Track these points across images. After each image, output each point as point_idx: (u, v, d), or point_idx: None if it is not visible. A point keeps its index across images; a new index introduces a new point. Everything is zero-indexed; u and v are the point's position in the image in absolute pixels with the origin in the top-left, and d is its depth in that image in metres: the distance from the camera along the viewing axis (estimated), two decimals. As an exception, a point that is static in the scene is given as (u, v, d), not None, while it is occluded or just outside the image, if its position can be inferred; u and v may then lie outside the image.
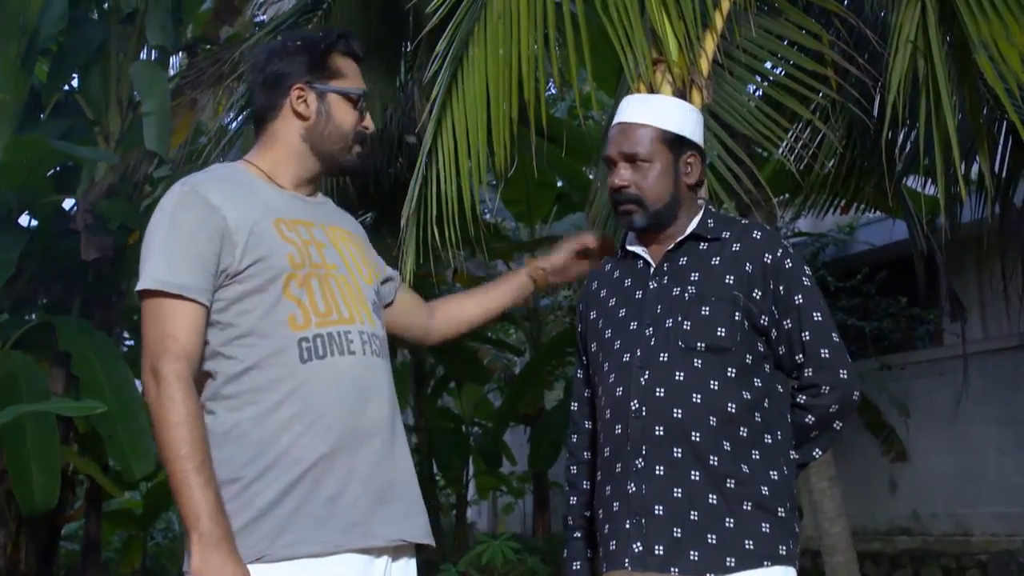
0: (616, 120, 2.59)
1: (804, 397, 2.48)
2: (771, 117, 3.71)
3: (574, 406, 2.70)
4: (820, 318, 2.45)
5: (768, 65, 3.87)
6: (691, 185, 2.55)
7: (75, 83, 7.98)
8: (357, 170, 2.47)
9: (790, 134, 4.11)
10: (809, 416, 2.47)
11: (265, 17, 8.18)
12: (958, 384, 8.89)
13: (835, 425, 2.50)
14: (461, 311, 2.79)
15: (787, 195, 7.28)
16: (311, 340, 2.20)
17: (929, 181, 6.26)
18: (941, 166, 3.70)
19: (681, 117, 2.56)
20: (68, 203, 7.81)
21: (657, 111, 2.55)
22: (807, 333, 2.44)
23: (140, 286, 2.16)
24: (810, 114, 3.77)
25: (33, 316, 7.41)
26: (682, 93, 3.10)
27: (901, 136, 5.07)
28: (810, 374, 2.46)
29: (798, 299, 2.44)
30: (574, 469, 2.67)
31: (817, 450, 2.54)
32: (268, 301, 2.19)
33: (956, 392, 8.94)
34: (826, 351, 2.45)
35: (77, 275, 7.23)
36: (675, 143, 2.52)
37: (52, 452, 6.13)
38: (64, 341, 6.59)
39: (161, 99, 6.79)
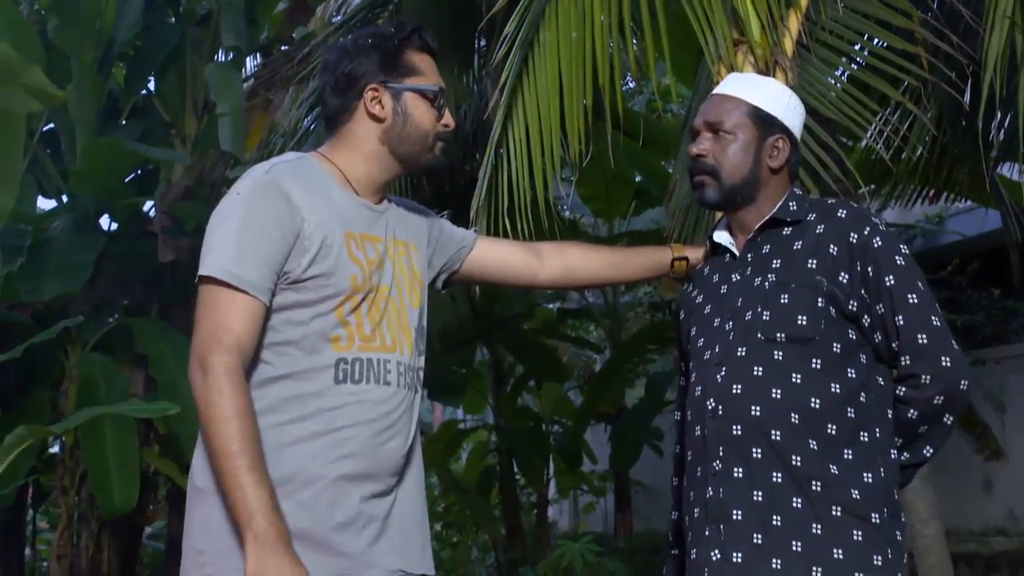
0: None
1: (904, 389, 2.26)
2: (859, 100, 3.53)
3: (676, 415, 2.54)
4: (916, 300, 2.23)
5: (855, 46, 3.68)
6: (774, 169, 2.39)
7: (151, 86, 8.04)
8: (441, 168, 2.36)
9: (879, 117, 3.90)
10: (912, 411, 2.26)
11: (340, 17, 8.16)
12: (1056, 379, 8.57)
13: (945, 419, 2.27)
14: (584, 267, 2.67)
15: (873, 185, 7.04)
16: (350, 363, 2.13)
17: (1020, 169, 6.00)
18: (1042, 149, 3.50)
19: (776, 98, 2.42)
20: (147, 205, 7.87)
21: (752, 87, 2.44)
22: (901, 318, 2.22)
23: (205, 271, 2.07)
24: (900, 96, 3.58)
25: (113, 318, 7.46)
26: (765, 75, 2.93)
27: (996, 120, 4.84)
28: (908, 363, 2.24)
29: (889, 280, 2.24)
30: (675, 481, 2.51)
31: (928, 448, 2.31)
32: (318, 317, 2.12)
33: (1054, 387, 8.61)
34: (924, 336, 2.22)
35: (156, 277, 7.27)
36: (764, 121, 2.38)
37: (131, 454, 6.15)
38: (141, 343, 6.61)
39: (236, 100, 6.79)
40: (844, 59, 3.63)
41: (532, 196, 3.26)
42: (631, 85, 10.82)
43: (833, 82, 3.67)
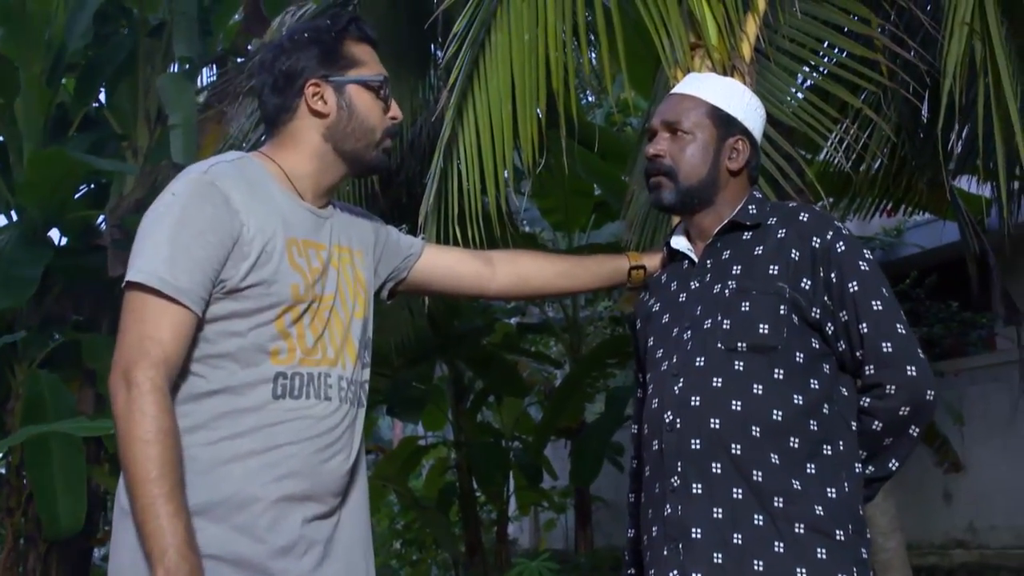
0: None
1: (868, 400, 2.17)
2: (820, 108, 3.48)
3: (633, 429, 2.45)
4: (880, 307, 2.14)
5: (818, 54, 3.63)
6: (733, 171, 2.32)
7: (103, 98, 7.90)
8: (383, 168, 2.23)
9: (840, 126, 3.85)
10: (876, 422, 2.16)
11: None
12: (1015, 390, 8.57)
13: (910, 431, 2.17)
14: (537, 276, 2.55)
15: (832, 199, 7.03)
16: (289, 377, 2.00)
17: (979, 180, 5.99)
18: (1002, 158, 3.46)
19: (737, 98, 2.35)
20: (99, 219, 7.72)
21: (711, 87, 2.36)
22: (864, 325, 2.13)
23: (132, 277, 1.92)
24: (860, 104, 3.53)
25: (61, 334, 7.30)
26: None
27: (954, 132, 4.82)
28: (872, 372, 2.15)
29: (852, 286, 2.15)
30: (632, 498, 2.41)
31: (894, 461, 2.22)
32: (256, 328, 1.97)
33: (1013, 399, 8.62)
34: (888, 344, 2.13)
35: (106, 292, 7.11)
36: (723, 121, 2.30)
37: (78, 473, 5.99)
38: (90, 358, 6.45)
39: (188, 112, 6.69)
40: (804, 67, 3.58)
41: (484, 204, 3.15)
42: (591, 99, 10.79)
43: (793, 90, 3.62)
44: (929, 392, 2.16)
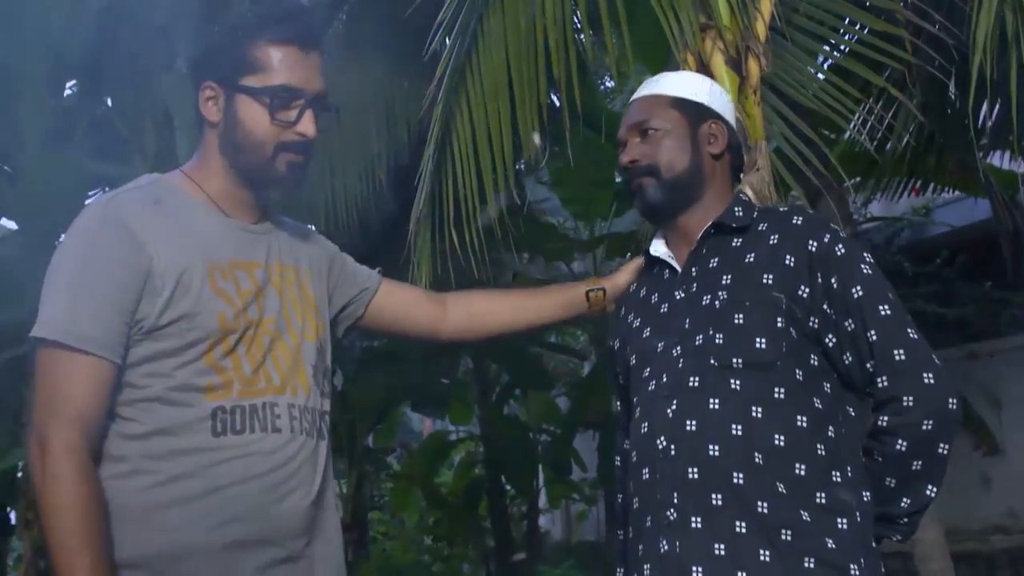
0: None
1: (887, 418, 1.95)
2: (841, 88, 3.28)
3: (617, 461, 2.24)
4: (888, 312, 1.95)
5: (837, 31, 3.44)
6: (716, 155, 2.14)
7: (108, 100, 7.76)
8: (286, 184, 1.98)
9: (862, 107, 3.65)
10: (900, 441, 1.94)
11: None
12: (1053, 371, 8.33)
13: (939, 449, 1.94)
14: (490, 313, 2.38)
15: (859, 178, 6.82)
16: (228, 411, 1.81)
17: (1011, 156, 5.77)
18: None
19: (697, 86, 2.20)
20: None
21: (668, 82, 2.21)
22: (874, 332, 1.94)
23: (35, 331, 1.75)
24: (884, 83, 3.33)
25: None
26: (736, 62, 2.68)
27: (985, 106, 4.60)
28: (886, 384, 1.94)
29: (857, 292, 1.96)
30: (620, 536, 2.20)
31: (930, 487, 1.98)
32: (184, 367, 1.80)
33: (1051, 379, 8.38)
34: (900, 352, 1.93)
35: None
36: (691, 108, 2.14)
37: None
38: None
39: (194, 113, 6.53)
40: (823, 45, 3.39)
41: (482, 204, 2.94)
42: (610, 84, 10.61)
43: (812, 70, 3.43)
44: (951, 400, 1.94)
